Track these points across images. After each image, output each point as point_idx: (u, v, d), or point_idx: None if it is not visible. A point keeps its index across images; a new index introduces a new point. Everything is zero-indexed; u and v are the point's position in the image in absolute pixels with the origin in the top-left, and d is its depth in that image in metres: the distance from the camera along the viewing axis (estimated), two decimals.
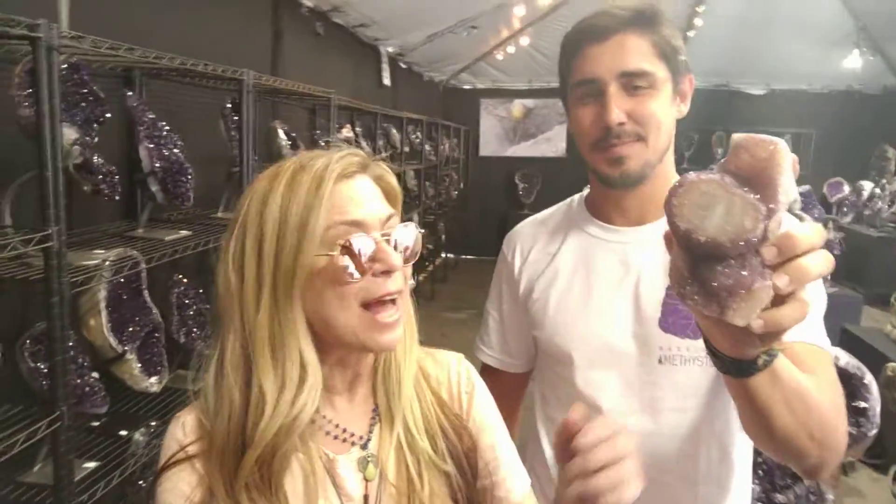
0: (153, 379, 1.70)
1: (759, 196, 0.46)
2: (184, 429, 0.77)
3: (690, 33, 6.51)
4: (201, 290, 2.14)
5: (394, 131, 5.07)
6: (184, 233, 1.96)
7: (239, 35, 3.21)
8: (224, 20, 3.03)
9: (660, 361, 1.02)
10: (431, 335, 0.88)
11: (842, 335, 3.44)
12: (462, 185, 8.26)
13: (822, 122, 7.79)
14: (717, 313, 0.49)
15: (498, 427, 0.90)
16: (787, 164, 0.46)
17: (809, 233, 0.51)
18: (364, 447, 0.81)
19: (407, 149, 5.49)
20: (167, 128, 1.96)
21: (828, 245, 3.64)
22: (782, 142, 0.46)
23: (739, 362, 0.69)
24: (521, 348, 1.21)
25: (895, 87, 7.38)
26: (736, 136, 0.48)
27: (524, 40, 7.03)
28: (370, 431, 0.83)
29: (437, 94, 8.25)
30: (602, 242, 1.12)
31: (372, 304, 0.75)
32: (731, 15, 6.01)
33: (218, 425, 0.73)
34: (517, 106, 8.74)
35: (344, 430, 0.81)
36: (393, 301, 0.76)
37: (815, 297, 0.99)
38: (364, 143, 4.32)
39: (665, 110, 1.02)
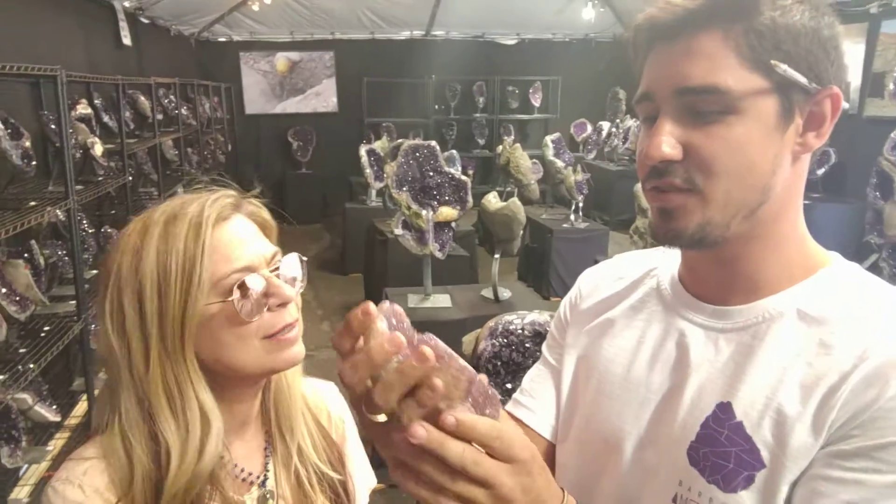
0: None
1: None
2: (83, 491, 0.72)
3: None
4: None
5: (142, 99, 4.55)
6: None
7: None
8: None
9: (674, 501, 0.70)
10: None
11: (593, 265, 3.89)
12: (229, 147, 7.76)
13: (567, 69, 8.54)
14: None
15: (362, 458, 0.98)
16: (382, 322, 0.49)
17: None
18: (262, 485, 0.84)
19: (160, 116, 4.98)
20: None
21: (578, 186, 4.00)
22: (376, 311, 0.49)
23: None
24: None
25: (623, 35, 8.28)
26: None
27: None
28: (265, 468, 0.86)
29: (188, 49, 7.56)
30: (670, 313, 0.79)
31: (272, 335, 0.77)
32: None
33: (135, 486, 0.73)
34: (281, 59, 8.33)
35: (242, 470, 0.83)
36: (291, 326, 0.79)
37: None
38: (107, 118, 3.82)
39: (754, 146, 0.67)
